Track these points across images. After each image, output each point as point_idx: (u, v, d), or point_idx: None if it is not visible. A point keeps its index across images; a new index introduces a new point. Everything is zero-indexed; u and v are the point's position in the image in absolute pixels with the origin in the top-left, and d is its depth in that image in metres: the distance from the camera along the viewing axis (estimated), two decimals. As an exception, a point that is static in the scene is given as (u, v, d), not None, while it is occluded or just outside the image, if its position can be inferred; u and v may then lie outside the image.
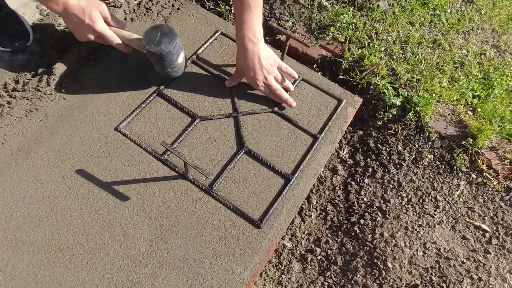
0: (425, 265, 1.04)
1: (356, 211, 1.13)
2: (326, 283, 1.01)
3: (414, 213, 1.13)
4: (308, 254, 1.06)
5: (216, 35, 1.23)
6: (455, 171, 1.21)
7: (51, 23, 1.19)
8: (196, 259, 0.88)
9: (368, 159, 1.22)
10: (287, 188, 0.99)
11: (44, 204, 0.89)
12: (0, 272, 0.80)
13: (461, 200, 1.17)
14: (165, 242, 0.89)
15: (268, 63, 1.03)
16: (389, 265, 1.02)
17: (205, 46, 1.20)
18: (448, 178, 1.20)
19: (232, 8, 1.42)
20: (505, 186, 1.19)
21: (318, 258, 1.05)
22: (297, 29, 1.40)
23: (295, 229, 1.10)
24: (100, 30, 0.96)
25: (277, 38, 1.39)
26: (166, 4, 1.27)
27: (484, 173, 1.21)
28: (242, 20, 0.97)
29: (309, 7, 1.46)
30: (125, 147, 0.99)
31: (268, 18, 1.41)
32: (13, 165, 0.92)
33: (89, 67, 1.09)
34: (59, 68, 1.06)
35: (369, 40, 1.38)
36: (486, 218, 1.15)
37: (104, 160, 0.96)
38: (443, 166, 1.22)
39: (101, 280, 0.82)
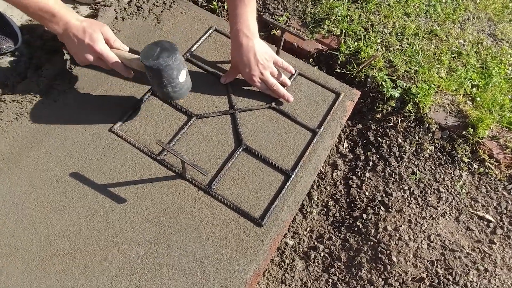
0: (430, 258, 1.03)
1: (358, 206, 1.11)
2: (330, 280, 0.99)
3: (417, 206, 1.11)
4: (311, 251, 1.04)
5: (210, 31, 1.20)
6: (456, 162, 1.19)
7: (39, 24, 1.15)
8: (197, 260, 0.85)
9: (368, 153, 1.21)
10: (288, 184, 0.97)
11: (38, 209, 0.86)
12: (-6, 281, 0.77)
13: (463, 191, 1.15)
14: (165, 244, 0.86)
15: (264, 58, 1.01)
16: (394, 259, 1.01)
17: (198, 43, 1.17)
18: (450, 169, 1.18)
19: (225, 4, 1.40)
20: (508, 175, 1.18)
21: (322, 255, 1.03)
22: (291, 23, 1.38)
23: (296, 226, 1.08)
24: (100, 50, 0.89)
25: (271, 33, 1.37)
26: (157, 2, 1.24)
27: (486, 163, 1.19)
28: (236, 14, 0.95)
29: (303, 0, 1.44)
30: (120, 148, 0.96)
31: (262, 13, 1.39)
32: (4, 170, 0.89)
33: (80, 67, 1.07)
34: (49, 70, 1.04)
35: (365, 33, 1.37)
36: (489, 208, 1.13)
37: (99, 162, 0.94)
38: (444, 157, 1.20)
39: (99, 286, 0.80)
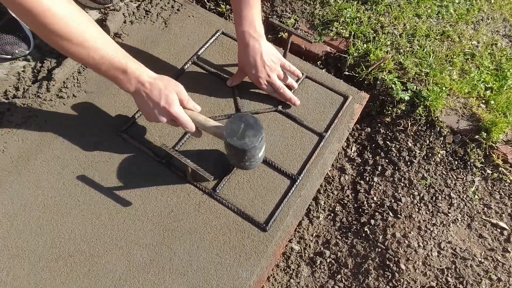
0: (440, 266, 1.00)
1: (366, 211, 1.09)
2: (336, 287, 0.97)
3: (427, 212, 1.08)
4: (317, 257, 1.02)
5: (217, 35, 1.20)
6: (469, 167, 1.16)
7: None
8: (200, 265, 0.85)
9: (377, 157, 1.18)
10: (293, 189, 0.96)
11: (45, 212, 0.87)
12: (1, 282, 0.78)
13: (476, 197, 1.12)
14: (168, 248, 0.86)
15: (271, 60, 1.00)
16: (402, 266, 0.98)
17: (206, 46, 1.17)
18: (462, 174, 1.15)
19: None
20: (523, 181, 1.14)
21: (328, 261, 1.02)
22: (299, 26, 1.37)
23: (303, 231, 1.06)
24: (175, 114, 0.85)
25: (279, 35, 1.36)
26: (165, 6, 1.25)
27: (500, 168, 1.15)
28: (241, 16, 0.94)
29: (312, 2, 1.42)
30: (127, 151, 0.97)
31: (269, 16, 1.39)
32: (13, 172, 0.91)
33: (89, 72, 1.08)
34: (59, 74, 1.05)
35: (375, 34, 1.34)
36: (503, 215, 1.09)
37: (105, 165, 0.95)
38: (456, 162, 1.17)
39: (103, 289, 0.80)
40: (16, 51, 1.09)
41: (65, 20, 0.71)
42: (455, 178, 1.14)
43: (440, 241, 1.03)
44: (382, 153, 1.19)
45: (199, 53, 1.16)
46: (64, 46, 0.74)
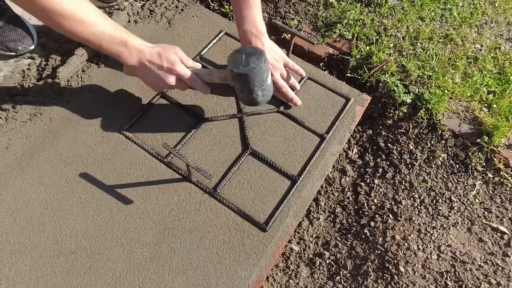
0: (440, 269, 1.00)
1: (366, 213, 1.09)
2: (335, 288, 0.98)
3: (427, 215, 1.08)
4: (317, 258, 1.03)
5: (220, 35, 1.21)
6: (470, 171, 1.16)
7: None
8: (200, 264, 0.85)
9: (378, 159, 1.18)
10: (293, 189, 0.96)
11: (47, 208, 0.88)
12: (3, 277, 0.79)
13: (477, 200, 1.12)
14: (169, 246, 0.87)
15: (274, 59, 1.00)
16: (402, 269, 0.98)
17: (209, 47, 1.18)
18: (463, 177, 1.15)
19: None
20: (524, 185, 1.13)
21: (327, 262, 1.02)
22: (302, 27, 1.37)
23: (302, 232, 1.06)
24: (181, 72, 0.89)
25: (282, 36, 1.36)
26: (169, 6, 1.26)
27: (501, 172, 1.15)
28: (242, 16, 0.95)
29: (315, 4, 1.43)
30: (128, 149, 0.98)
31: (273, 17, 1.39)
32: (17, 169, 0.92)
33: (92, 70, 1.09)
34: (63, 72, 1.06)
35: (378, 37, 1.35)
36: (504, 219, 1.09)
37: (107, 163, 0.95)
38: (457, 166, 1.17)
39: (103, 286, 0.81)
40: (20, 47, 1.09)
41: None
42: (456, 181, 1.14)
43: (440, 244, 1.03)
44: (383, 155, 1.19)
45: (202, 53, 1.16)
46: (65, 25, 0.77)
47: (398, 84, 1.23)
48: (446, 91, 1.23)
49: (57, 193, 0.90)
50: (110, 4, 1.23)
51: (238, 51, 0.88)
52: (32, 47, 1.11)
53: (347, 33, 1.35)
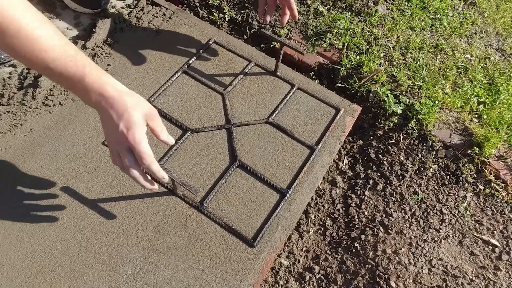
0: (431, 283, 0.98)
1: (357, 226, 1.07)
2: (325, 304, 0.95)
3: (418, 228, 1.06)
4: (306, 272, 1.00)
5: (209, 43, 1.19)
6: (461, 182, 1.15)
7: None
8: (185, 281, 0.82)
9: (369, 170, 1.17)
10: (282, 203, 0.94)
11: (26, 224, 0.84)
12: (-24, 299, 0.75)
13: (468, 213, 1.11)
14: (153, 263, 0.84)
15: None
16: (393, 284, 0.96)
17: (197, 55, 1.16)
18: (454, 189, 1.14)
19: (225, 14, 1.39)
20: (515, 197, 1.13)
21: (317, 276, 1.00)
22: (292, 36, 1.36)
23: (292, 245, 1.04)
24: (132, 141, 0.63)
25: (271, 45, 1.35)
26: (157, 13, 1.24)
27: (492, 184, 1.14)
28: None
29: (305, 13, 1.42)
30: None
31: (262, 26, 1.37)
32: (-6, 183, 0.88)
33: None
34: (46, 81, 1.03)
35: (368, 46, 1.34)
36: (495, 232, 1.08)
37: (90, 176, 0.92)
38: (448, 177, 1.16)
39: (83, 306, 0.77)
40: (2, 56, 1.06)
41: (11, 12, 0.56)
42: (447, 193, 1.13)
43: (431, 258, 1.02)
44: (374, 166, 1.18)
45: (190, 62, 1.14)
46: (8, 44, 0.57)
47: (389, 94, 1.22)
48: (436, 102, 1.22)
49: (36, 208, 0.86)
50: (96, 10, 1.20)
51: None
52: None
53: (337, 42, 1.34)
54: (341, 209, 1.11)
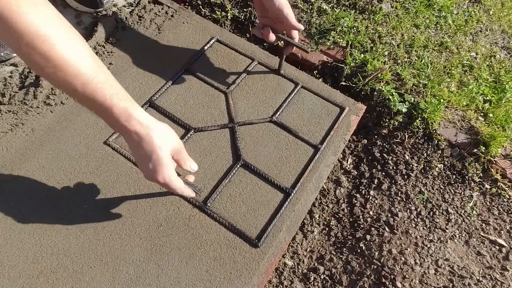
0: (438, 284, 0.97)
1: (362, 226, 1.06)
2: (330, 305, 0.94)
3: (424, 228, 1.05)
4: (311, 273, 0.99)
5: (211, 42, 1.18)
6: (467, 182, 1.13)
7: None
8: (189, 282, 0.81)
9: (374, 170, 1.15)
10: (287, 203, 0.93)
11: (27, 225, 0.83)
12: (-23, 300, 0.75)
13: (474, 212, 1.09)
14: (156, 264, 0.82)
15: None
16: (399, 284, 0.95)
17: (200, 54, 1.15)
18: (460, 189, 1.12)
19: (228, 13, 1.37)
20: (522, 196, 1.11)
21: (322, 277, 0.98)
22: (296, 34, 1.34)
23: (296, 246, 1.03)
24: (163, 181, 0.69)
25: (275, 44, 1.33)
26: (159, 12, 1.23)
27: (499, 183, 1.13)
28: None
29: (308, 11, 1.40)
30: (115, 161, 0.94)
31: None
32: (-5, 183, 0.87)
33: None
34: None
35: (372, 44, 1.32)
36: (502, 231, 1.07)
37: (92, 176, 0.91)
38: (454, 176, 1.14)
39: (85, 308, 0.76)
40: (2, 53, 1.05)
41: (37, 29, 0.54)
42: (453, 192, 1.12)
43: (438, 258, 1.00)
44: (378, 165, 1.16)
45: (192, 61, 1.13)
46: (35, 62, 0.55)
47: (393, 93, 1.21)
48: (442, 100, 1.21)
49: (38, 208, 0.85)
50: (97, 10, 1.19)
51: None
52: (15, 54, 1.06)
53: (341, 40, 1.32)
54: (345, 209, 1.10)
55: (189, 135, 0.99)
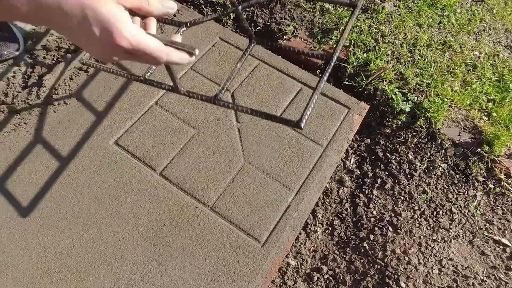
0: (442, 284, 0.96)
1: (365, 226, 1.05)
2: (334, 305, 0.94)
3: (428, 227, 1.05)
4: (314, 273, 0.99)
5: (214, 41, 1.18)
6: (470, 181, 1.13)
7: (42, 32, 1.14)
8: (192, 282, 0.81)
9: (377, 169, 1.15)
10: (291, 203, 0.92)
11: (31, 224, 0.84)
12: (-19, 300, 0.75)
13: (478, 212, 1.09)
14: (159, 264, 0.82)
15: None
16: (402, 284, 0.95)
17: (202, 53, 1.14)
18: (464, 188, 1.12)
19: (231, 14, 1.37)
20: (526, 196, 1.11)
21: (325, 277, 0.98)
22: (298, 33, 1.34)
23: (299, 245, 1.02)
24: (129, 43, 0.40)
25: (278, 44, 1.33)
26: (162, 11, 1.22)
27: (502, 183, 1.12)
28: None
29: (311, 10, 1.40)
30: (118, 161, 0.94)
31: (268, 23, 1.36)
32: (-1, 183, 0.87)
33: (81, 78, 1.05)
34: (50, 80, 1.02)
35: (375, 44, 1.32)
36: (506, 231, 1.06)
37: (95, 176, 0.91)
38: (457, 176, 1.14)
39: (89, 307, 0.76)
40: (5, 52, 1.05)
41: None
42: (457, 192, 1.11)
43: (441, 258, 1.00)
44: (382, 165, 1.16)
45: (195, 59, 1.12)
46: None
47: (397, 92, 1.20)
48: (445, 99, 1.20)
49: (41, 208, 0.85)
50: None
51: None
52: (19, 52, 1.07)
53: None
54: (349, 209, 1.09)
55: (192, 134, 0.99)
